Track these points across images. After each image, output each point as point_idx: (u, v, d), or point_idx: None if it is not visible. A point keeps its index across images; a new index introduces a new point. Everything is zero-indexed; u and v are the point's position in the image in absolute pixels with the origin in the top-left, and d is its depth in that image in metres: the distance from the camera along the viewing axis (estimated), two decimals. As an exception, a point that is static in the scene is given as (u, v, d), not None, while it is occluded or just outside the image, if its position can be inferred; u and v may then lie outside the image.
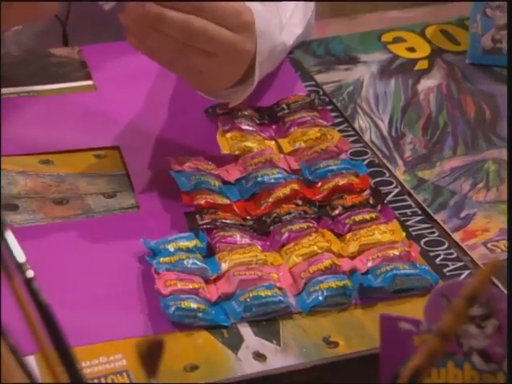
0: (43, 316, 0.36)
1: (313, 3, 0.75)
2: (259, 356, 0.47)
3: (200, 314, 0.48)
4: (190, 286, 0.49)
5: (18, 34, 0.79)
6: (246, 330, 0.48)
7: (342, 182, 0.57)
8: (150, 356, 0.34)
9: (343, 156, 0.61)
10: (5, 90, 0.68)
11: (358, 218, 0.54)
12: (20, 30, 0.78)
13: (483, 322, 0.42)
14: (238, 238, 0.54)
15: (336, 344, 0.48)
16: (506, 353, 0.45)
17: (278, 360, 0.47)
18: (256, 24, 0.60)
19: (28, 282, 0.35)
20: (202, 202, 0.55)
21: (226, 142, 0.61)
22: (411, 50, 0.73)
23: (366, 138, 0.64)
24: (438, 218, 0.57)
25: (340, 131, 0.63)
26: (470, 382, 0.44)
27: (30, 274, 0.35)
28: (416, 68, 0.71)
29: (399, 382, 0.35)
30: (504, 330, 0.43)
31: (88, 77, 0.71)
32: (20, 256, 0.35)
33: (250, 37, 0.59)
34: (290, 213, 0.55)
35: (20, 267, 0.35)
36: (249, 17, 0.59)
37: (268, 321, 0.49)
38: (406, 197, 0.58)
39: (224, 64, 0.58)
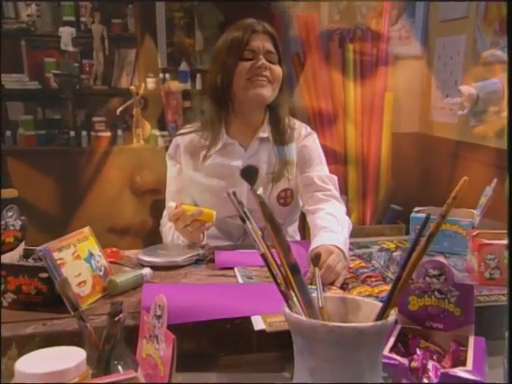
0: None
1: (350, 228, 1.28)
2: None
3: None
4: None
5: None
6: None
7: (370, 274, 1.11)
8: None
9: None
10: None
11: (377, 283, 1.07)
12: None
13: (439, 276, 0.67)
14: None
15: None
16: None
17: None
18: (342, 247, 1.13)
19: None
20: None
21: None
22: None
23: (375, 265, 1.16)
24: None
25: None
26: (435, 304, 0.69)
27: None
28: (391, 250, 1.29)
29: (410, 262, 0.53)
30: (448, 281, 0.64)
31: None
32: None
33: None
34: (353, 281, 1.08)
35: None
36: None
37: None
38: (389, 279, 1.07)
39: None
